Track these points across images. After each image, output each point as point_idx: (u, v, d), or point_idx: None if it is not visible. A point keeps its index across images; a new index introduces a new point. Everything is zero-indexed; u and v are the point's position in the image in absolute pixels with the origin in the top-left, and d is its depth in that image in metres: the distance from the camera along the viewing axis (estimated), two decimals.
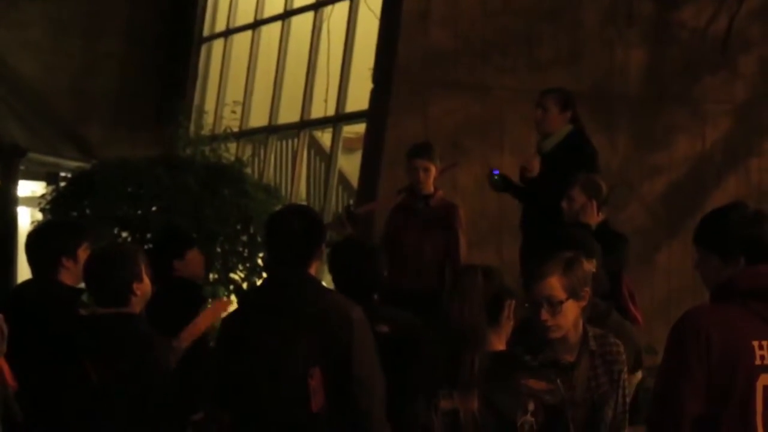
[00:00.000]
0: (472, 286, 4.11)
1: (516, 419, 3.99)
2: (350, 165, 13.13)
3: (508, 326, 4.17)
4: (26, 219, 13.78)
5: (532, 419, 3.99)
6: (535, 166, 7.69)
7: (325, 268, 5.73)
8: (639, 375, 5.21)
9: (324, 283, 4.86)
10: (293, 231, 4.62)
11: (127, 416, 4.82)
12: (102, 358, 4.86)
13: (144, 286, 5.00)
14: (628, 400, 4.75)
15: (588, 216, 6.92)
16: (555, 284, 4.54)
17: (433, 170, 8.15)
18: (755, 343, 3.73)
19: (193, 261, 6.43)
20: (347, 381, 4.47)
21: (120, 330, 4.91)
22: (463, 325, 4.06)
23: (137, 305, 4.99)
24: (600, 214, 6.99)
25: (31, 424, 5.29)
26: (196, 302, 6.31)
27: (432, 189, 8.18)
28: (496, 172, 7.89)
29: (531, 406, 4.00)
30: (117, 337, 4.89)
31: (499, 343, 4.11)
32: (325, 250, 4.82)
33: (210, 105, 15.67)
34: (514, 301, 4.18)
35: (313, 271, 4.67)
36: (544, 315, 4.37)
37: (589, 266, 5.00)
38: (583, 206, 6.93)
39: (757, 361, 3.72)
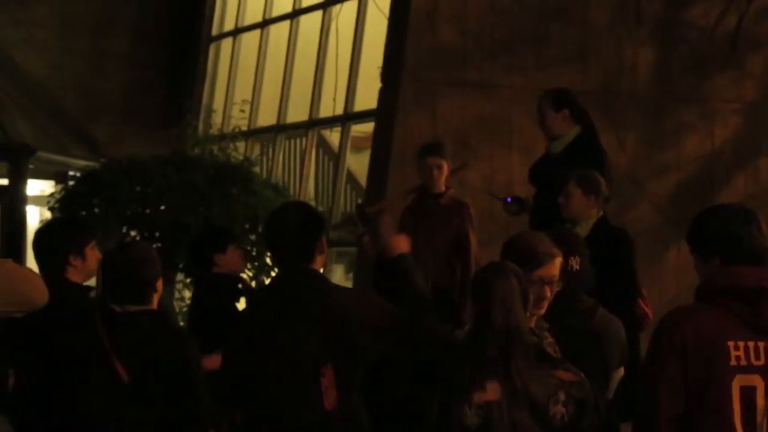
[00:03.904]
0: (511, 291, 4.18)
1: (548, 409, 4.01)
2: (359, 164, 13.13)
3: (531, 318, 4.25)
4: (35, 218, 13.81)
5: (564, 410, 4.02)
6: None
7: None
8: (621, 371, 5.22)
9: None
10: (292, 228, 4.62)
11: (155, 411, 4.81)
12: (136, 353, 4.83)
13: (160, 284, 5.02)
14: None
15: (582, 211, 6.88)
16: (559, 264, 4.70)
17: (446, 168, 8.16)
18: (731, 344, 3.72)
19: (233, 255, 6.48)
20: (359, 377, 4.47)
21: (155, 326, 4.90)
22: (509, 329, 4.11)
23: (155, 303, 4.99)
24: (598, 210, 6.93)
25: (51, 424, 5.27)
26: (237, 296, 6.37)
27: (443, 188, 8.18)
28: (510, 199, 7.81)
29: (562, 396, 4.03)
30: (152, 332, 4.87)
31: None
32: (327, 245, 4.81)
33: (218, 104, 15.68)
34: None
35: (318, 266, 4.67)
36: (548, 293, 4.50)
37: (573, 263, 5.07)
38: (579, 201, 6.88)
39: (733, 362, 3.71)
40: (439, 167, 8.10)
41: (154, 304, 4.97)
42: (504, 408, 4.00)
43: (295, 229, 4.62)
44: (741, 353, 3.71)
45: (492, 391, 4.03)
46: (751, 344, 3.72)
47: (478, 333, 4.22)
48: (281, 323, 4.54)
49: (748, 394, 3.71)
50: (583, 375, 4.30)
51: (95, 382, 4.87)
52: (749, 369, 3.71)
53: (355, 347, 4.47)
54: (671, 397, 3.70)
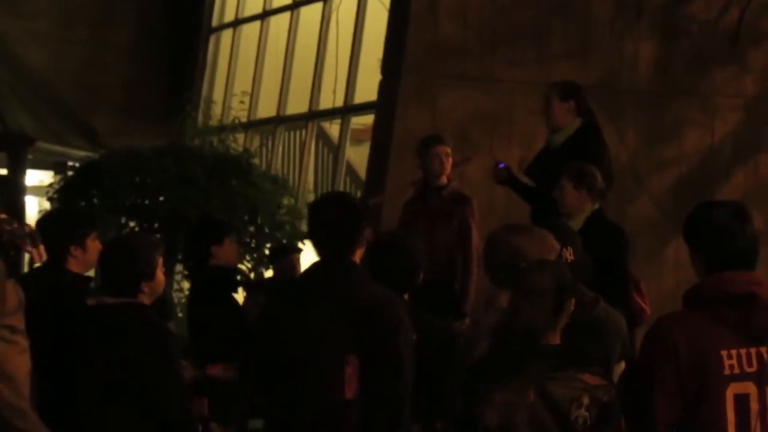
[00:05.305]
0: (542, 288, 4.13)
1: (570, 413, 3.98)
2: (358, 156, 13.12)
3: (563, 322, 4.18)
4: (34, 208, 13.81)
5: (587, 414, 3.99)
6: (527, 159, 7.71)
7: None
8: (623, 365, 5.21)
9: None
10: (333, 219, 4.66)
11: (132, 407, 4.81)
12: (108, 347, 4.84)
13: (154, 284, 4.97)
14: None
15: (576, 205, 6.86)
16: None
17: (451, 158, 8.21)
18: (724, 353, 3.69)
19: (230, 247, 6.50)
20: (383, 369, 4.47)
21: (128, 319, 4.89)
22: (531, 325, 4.07)
23: (145, 299, 4.97)
24: (592, 203, 6.90)
25: (50, 418, 5.27)
26: (236, 287, 6.39)
27: (446, 179, 8.20)
28: (502, 165, 7.81)
29: (585, 400, 3.99)
30: (124, 326, 4.87)
31: (554, 338, 4.12)
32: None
33: (218, 95, 15.67)
34: (573, 300, 4.18)
35: (357, 258, 4.70)
36: None
37: (566, 254, 5.04)
38: (571, 195, 6.86)
39: (727, 371, 3.69)
40: (447, 155, 8.14)
41: (143, 297, 4.96)
42: (526, 409, 3.96)
43: (337, 222, 4.65)
44: (734, 362, 3.69)
45: (515, 391, 4.00)
46: (743, 351, 3.70)
47: (505, 329, 4.18)
48: (311, 310, 4.56)
49: (741, 401, 3.69)
50: (609, 378, 4.26)
51: (83, 376, 4.87)
52: (742, 377, 3.70)
53: (381, 340, 4.48)
54: (666, 402, 3.68)
